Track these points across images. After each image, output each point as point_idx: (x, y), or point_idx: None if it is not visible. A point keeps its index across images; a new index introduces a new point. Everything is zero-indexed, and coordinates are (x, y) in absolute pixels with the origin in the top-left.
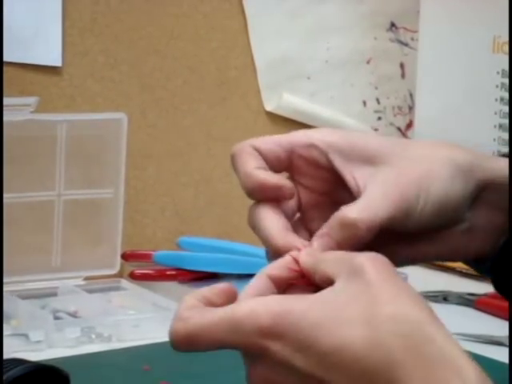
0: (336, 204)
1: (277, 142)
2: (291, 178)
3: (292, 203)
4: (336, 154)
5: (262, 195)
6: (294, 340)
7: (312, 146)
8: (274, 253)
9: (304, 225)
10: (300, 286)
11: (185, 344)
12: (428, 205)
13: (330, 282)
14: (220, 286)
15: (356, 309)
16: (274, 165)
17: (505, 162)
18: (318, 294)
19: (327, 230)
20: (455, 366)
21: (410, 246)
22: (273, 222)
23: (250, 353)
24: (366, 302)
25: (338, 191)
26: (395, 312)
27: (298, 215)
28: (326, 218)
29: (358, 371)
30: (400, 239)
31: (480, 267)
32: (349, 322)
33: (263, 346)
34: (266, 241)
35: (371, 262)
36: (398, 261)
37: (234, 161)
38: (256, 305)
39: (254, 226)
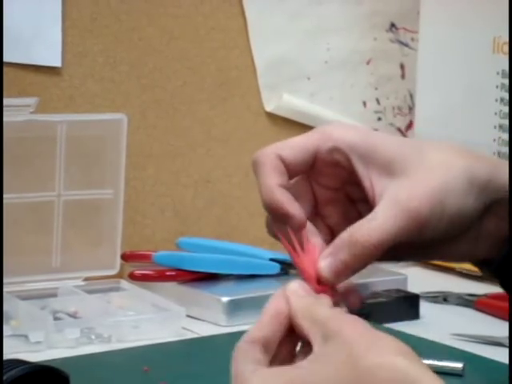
0: (350, 200)
1: (302, 148)
2: (308, 175)
3: (308, 199)
4: (358, 158)
5: (274, 214)
6: None
7: (335, 149)
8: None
9: (323, 221)
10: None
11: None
12: (442, 220)
13: (306, 340)
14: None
15: (339, 368)
16: (296, 171)
17: None
18: (298, 364)
19: (334, 249)
20: None
21: (417, 253)
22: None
23: None
24: (348, 357)
25: (353, 188)
26: (381, 361)
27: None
28: (341, 214)
29: None
30: (408, 249)
31: (486, 269)
32: (334, 380)
33: None
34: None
35: (344, 322)
36: (401, 260)
37: (256, 168)
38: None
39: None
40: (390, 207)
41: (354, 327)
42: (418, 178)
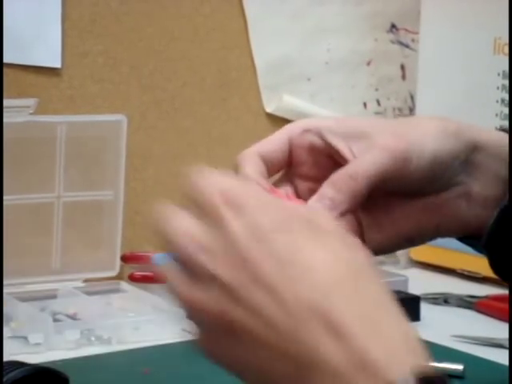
0: None
1: (276, 141)
2: (285, 171)
3: (288, 192)
4: (330, 133)
5: None
6: (241, 204)
7: (306, 131)
8: None
9: None
10: None
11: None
12: (422, 158)
13: None
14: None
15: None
16: (277, 162)
17: (495, 132)
18: None
19: (319, 191)
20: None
21: (414, 217)
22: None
23: (197, 203)
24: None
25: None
26: (337, 248)
27: None
28: None
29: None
30: (402, 209)
31: (478, 245)
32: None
33: (209, 200)
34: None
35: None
36: (402, 238)
37: (236, 168)
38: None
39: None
40: (370, 151)
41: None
42: (394, 129)
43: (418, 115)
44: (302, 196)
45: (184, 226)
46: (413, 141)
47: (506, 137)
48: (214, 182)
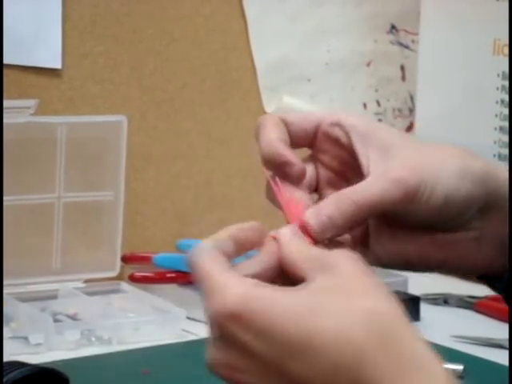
0: (349, 184)
1: (305, 116)
2: (312, 153)
3: (311, 178)
4: (357, 136)
5: (276, 166)
6: (257, 326)
7: (337, 124)
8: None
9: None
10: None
11: (189, 263)
12: (433, 197)
13: (300, 278)
14: (249, 230)
15: (329, 301)
16: (300, 137)
17: None
18: (291, 288)
19: (321, 204)
20: (425, 366)
21: (419, 246)
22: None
23: (214, 327)
24: (340, 294)
25: (352, 172)
26: (369, 306)
27: (316, 197)
28: None
29: (324, 363)
30: (408, 235)
31: (495, 285)
32: (321, 312)
33: (224, 326)
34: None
35: (345, 259)
36: (403, 262)
37: (258, 128)
38: (232, 283)
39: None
40: (379, 176)
41: (352, 263)
42: (412, 157)
43: (419, 116)
44: (322, 184)
45: (213, 355)
46: (427, 176)
47: None
48: (220, 304)
